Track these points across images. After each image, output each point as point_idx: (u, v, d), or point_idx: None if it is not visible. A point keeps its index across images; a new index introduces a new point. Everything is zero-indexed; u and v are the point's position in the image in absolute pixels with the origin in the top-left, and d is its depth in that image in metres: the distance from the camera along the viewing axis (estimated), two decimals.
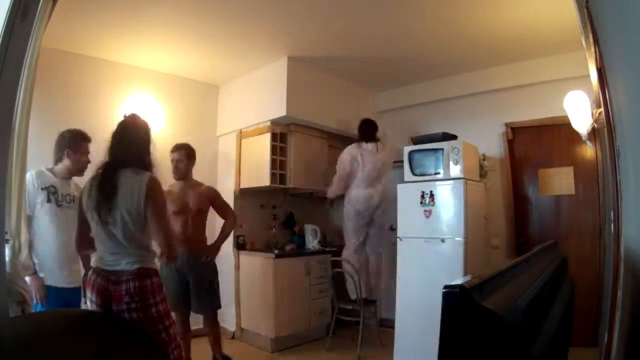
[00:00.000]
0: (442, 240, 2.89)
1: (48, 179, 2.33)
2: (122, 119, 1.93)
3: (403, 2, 2.69)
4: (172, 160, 2.87)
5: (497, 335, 0.65)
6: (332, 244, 4.28)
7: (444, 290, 0.65)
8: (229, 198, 4.02)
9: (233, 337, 3.85)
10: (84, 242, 1.88)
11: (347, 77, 4.14)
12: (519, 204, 3.64)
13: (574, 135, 2.80)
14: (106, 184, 1.74)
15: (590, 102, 2.60)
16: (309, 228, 4.16)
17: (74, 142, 2.41)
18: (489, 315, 0.64)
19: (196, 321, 3.90)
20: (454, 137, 3.12)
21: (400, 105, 4.44)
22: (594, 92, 2.02)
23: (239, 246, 3.90)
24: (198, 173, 4.11)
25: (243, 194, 3.99)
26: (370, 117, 4.72)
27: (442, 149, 3.00)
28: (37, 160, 3.01)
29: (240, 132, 4.06)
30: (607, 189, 2.60)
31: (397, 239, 3.10)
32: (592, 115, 2.55)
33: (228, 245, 3.97)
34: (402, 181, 3.19)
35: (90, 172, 2.07)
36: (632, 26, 0.82)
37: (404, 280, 3.05)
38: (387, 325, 3.75)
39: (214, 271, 2.91)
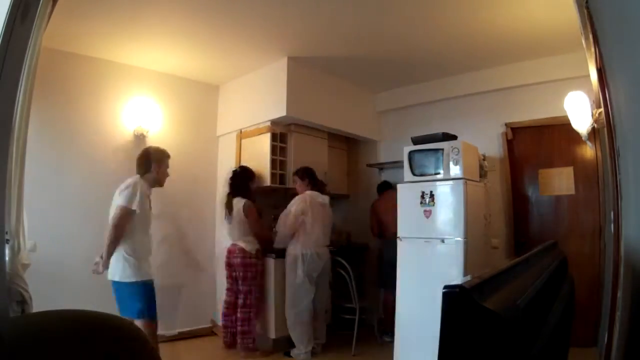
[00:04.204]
0: (442, 240, 2.89)
1: (148, 187, 2.77)
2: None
3: (403, 3, 2.69)
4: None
5: (497, 335, 0.65)
6: (332, 244, 4.28)
7: (444, 290, 0.65)
8: None
9: None
10: None
11: (347, 77, 4.14)
12: (518, 204, 3.64)
13: (574, 135, 2.80)
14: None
15: (590, 102, 2.60)
16: None
17: (160, 157, 2.87)
18: (489, 315, 0.64)
19: (197, 321, 3.91)
20: (454, 137, 3.12)
21: (400, 105, 4.44)
22: (594, 92, 2.02)
23: None
24: (198, 173, 4.13)
25: None
26: (370, 117, 4.72)
27: (442, 149, 3.00)
28: (37, 161, 3.03)
29: (240, 132, 4.05)
30: (607, 189, 2.60)
31: (397, 239, 3.10)
32: (592, 115, 2.55)
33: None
34: (402, 181, 3.19)
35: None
36: (632, 26, 0.82)
37: (404, 280, 3.05)
38: (386, 323, 3.75)
39: None
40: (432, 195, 2.96)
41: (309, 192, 3.47)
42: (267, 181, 3.70)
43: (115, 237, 2.58)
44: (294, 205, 3.40)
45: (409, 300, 2.99)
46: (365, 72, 4.01)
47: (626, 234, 1.18)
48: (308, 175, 3.56)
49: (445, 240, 2.87)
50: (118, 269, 2.60)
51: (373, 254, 4.29)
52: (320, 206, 3.45)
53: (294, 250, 3.35)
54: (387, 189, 4.01)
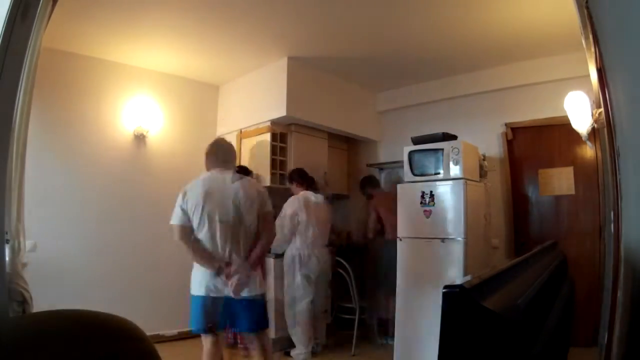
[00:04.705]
0: (442, 240, 2.89)
1: None
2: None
3: (403, 3, 2.69)
4: None
5: (497, 335, 0.65)
6: (332, 244, 4.27)
7: (443, 290, 0.65)
8: None
9: None
10: None
11: (347, 77, 4.14)
12: (518, 204, 3.64)
13: (574, 135, 2.80)
14: None
15: (590, 102, 2.60)
16: None
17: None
18: (489, 315, 0.64)
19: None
20: (454, 137, 3.12)
21: (400, 105, 4.44)
22: (594, 92, 2.02)
23: None
24: (198, 174, 4.12)
25: None
26: (370, 117, 4.70)
27: (442, 149, 3.00)
28: (37, 161, 3.03)
29: (240, 132, 4.05)
30: (607, 189, 2.60)
31: (397, 239, 3.10)
32: (592, 115, 2.55)
33: None
34: (402, 181, 3.19)
35: None
36: (632, 26, 0.82)
37: (404, 280, 3.05)
38: (387, 325, 3.75)
39: None
40: (432, 195, 2.96)
41: (302, 193, 3.47)
42: (267, 181, 3.70)
43: None
44: (289, 207, 3.40)
45: (409, 299, 2.99)
46: (365, 72, 4.01)
47: (626, 234, 1.18)
48: (305, 180, 3.57)
49: (445, 240, 2.87)
50: None
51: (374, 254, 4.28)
52: (314, 205, 3.45)
53: (291, 251, 3.35)
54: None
